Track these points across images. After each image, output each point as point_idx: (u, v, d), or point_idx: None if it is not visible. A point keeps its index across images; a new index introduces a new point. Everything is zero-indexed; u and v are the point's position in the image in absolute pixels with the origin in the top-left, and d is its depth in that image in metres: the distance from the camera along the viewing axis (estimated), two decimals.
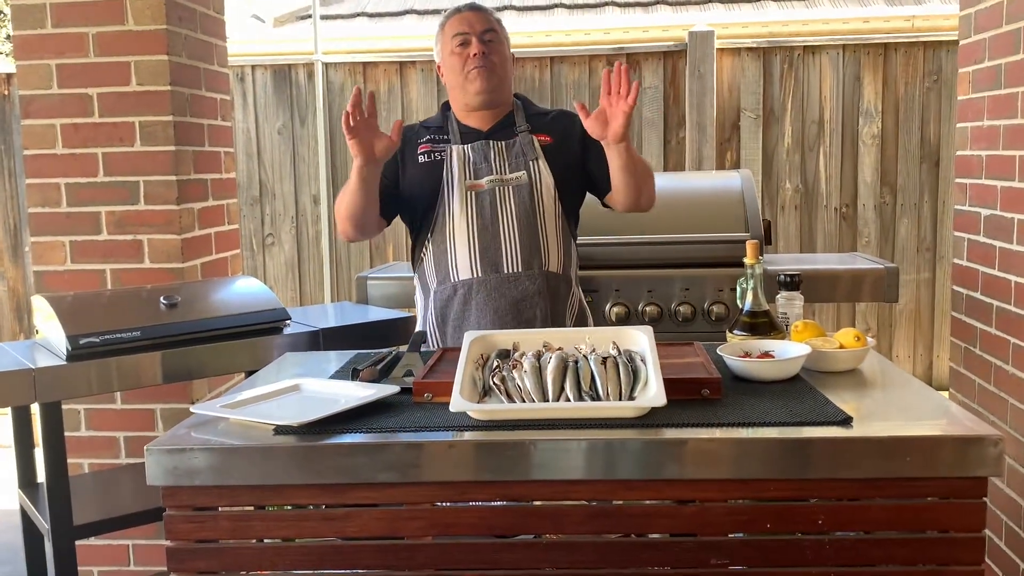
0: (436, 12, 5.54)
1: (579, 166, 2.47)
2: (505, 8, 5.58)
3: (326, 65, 5.25)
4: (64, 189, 3.06)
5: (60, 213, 3.07)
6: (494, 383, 1.62)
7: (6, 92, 5.23)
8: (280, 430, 1.55)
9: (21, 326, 5.39)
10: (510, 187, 2.39)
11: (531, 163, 2.41)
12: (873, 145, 4.99)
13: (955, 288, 3.33)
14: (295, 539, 1.54)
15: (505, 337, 1.82)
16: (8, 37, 11.13)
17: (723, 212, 3.14)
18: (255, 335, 2.63)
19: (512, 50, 2.54)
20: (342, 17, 5.71)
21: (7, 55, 11.11)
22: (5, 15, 11.24)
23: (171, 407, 3.11)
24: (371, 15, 5.70)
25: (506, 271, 2.36)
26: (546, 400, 1.56)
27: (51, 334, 2.48)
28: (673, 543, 1.49)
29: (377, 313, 2.98)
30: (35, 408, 2.41)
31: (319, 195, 5.31)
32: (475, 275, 2.37)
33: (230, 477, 1.50)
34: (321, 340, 2.71)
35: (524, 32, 5.17)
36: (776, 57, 5.04)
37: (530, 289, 2.36)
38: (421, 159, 2.45)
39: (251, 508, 1.55)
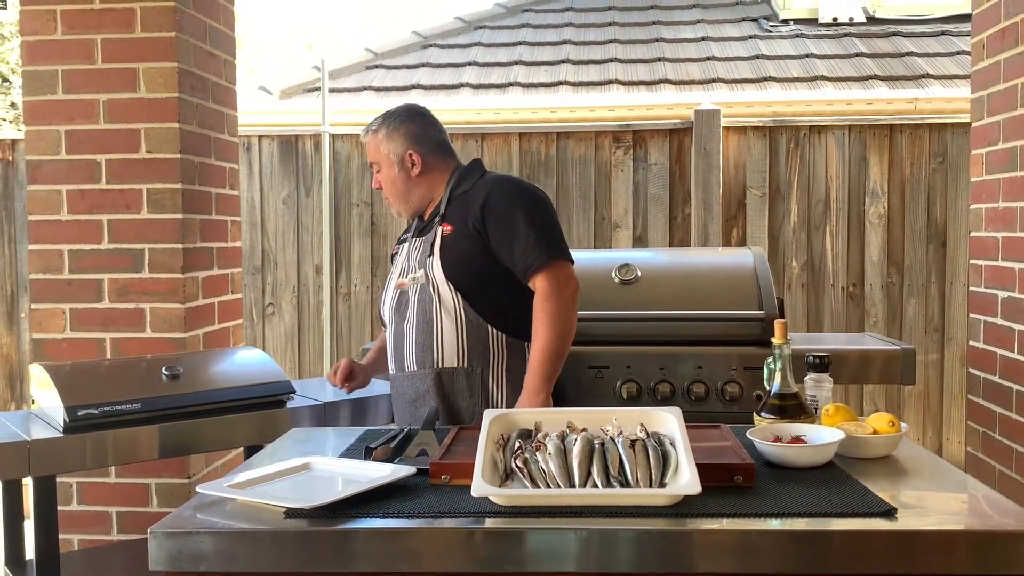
0: (441, 87, 5.58)
1: (483, 250, 2.35)
2: (510, 85, 5.62)
3: (333, 136, 5.25)
4: (67, 255, 3.01)
5: (61, 280, 3.01)
6: (517, 465, 1.54)
7: (10, 158, 5.21)
8: (291, 513, 1.47)
9: (13, 394, 5.27)
10: (419, 285, 2.41)
11: (427, 260, 2.39)
12: (880, 225, 4.98)
13: (971, 371, 3.27)
14: None
15: (526, 416, 1.75)
16: (12, 104, 11.22)
17: (736, 290, 3.08)
18: (258, 408, 2.55)
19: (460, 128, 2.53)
20: (348, 91, 5.74)
21: (10, 121, 11.18)
22: (11, 83, 11.34)
23: (167, 482, 3.01)
24: (377, 89, 5.73)
25: (407, 369, 2.42)
26: (572, 485, 1.48)
27: (48, 404, 2.40)
28: None
29: (382, 387, 2.90)
30: (27, 480, 2.32)
31: (322, 265, 5.26)
32: (392, 371, 2.49)
33: (237, 563, 1.41)
34: (325, 414, 2.63)
35: (529, 108, 5.18)
36: (782, 136, 5.05)
37: (421, 388, 2.39)
38: (393, 258, 2.60)
39: None
